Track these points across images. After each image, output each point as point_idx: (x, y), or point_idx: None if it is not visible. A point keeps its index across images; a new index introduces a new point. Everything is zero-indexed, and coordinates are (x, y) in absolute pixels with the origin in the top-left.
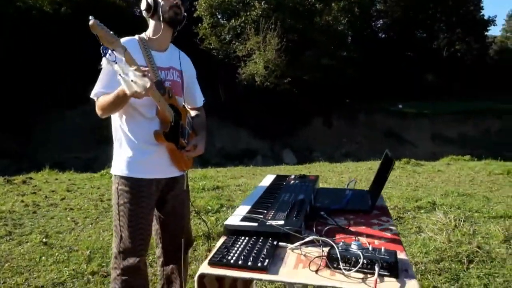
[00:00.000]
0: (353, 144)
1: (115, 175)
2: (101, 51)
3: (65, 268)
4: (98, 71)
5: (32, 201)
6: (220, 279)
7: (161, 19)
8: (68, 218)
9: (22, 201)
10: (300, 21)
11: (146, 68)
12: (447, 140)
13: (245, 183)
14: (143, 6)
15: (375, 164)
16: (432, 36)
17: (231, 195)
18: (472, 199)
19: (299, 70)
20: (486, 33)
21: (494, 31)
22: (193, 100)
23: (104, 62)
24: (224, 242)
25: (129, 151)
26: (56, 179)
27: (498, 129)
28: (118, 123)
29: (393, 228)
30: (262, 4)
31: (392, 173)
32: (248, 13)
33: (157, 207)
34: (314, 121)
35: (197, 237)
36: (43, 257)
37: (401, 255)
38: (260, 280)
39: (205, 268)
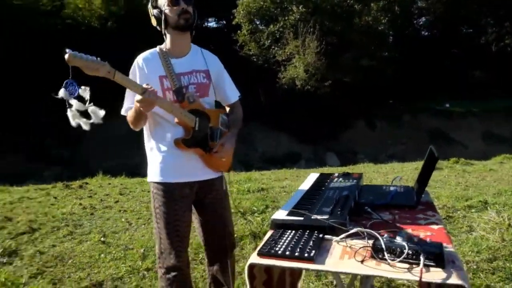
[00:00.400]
0: (398, 145)
1: (149, 181)
2: (63, 84)
3: (122, 265)
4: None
5: (89, 204)
6: (268, 271)
7: (174, 28)
8: (123, 219)
9: (80, 204)
10: (339, 23)
11: (148, 87)
12: (498, 139)
13: (289, 185)
14: (153, 23)
15: (421, 164)
16: (479, 31)
17: (276, 196)
18: None
19: (339, 73)
20: None
21: None
22: (225, 97)
23: (61, 93)
24: (271, 235)
25: (158, 157)
26: (109, 183)
27: None
28: (148, 131)
29: (439, 222)
30: (300, 8)
31: (440, 173)
32: (286, 18)
33: (197, 210)
34: (357, 124)
35: (244, 236)
36: (102, 255)
37: (448, 247)
38: (308, 269)
39: (254, 258)
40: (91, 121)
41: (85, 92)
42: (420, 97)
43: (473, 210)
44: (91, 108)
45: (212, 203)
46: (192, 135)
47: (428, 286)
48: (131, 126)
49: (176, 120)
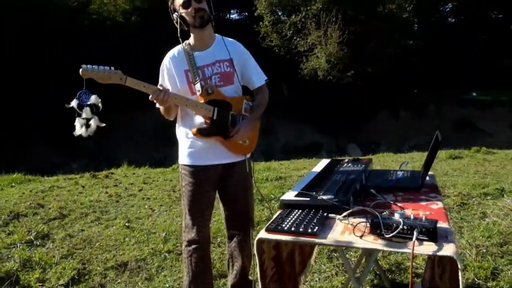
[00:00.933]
0: (422, 136)
1: (179, 163)
2: (77, 95)
3: (145, 247)
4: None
5: (114, 192)
6: (277, 248)
7: (193, 27)
8: (146, 206)
9: (106, 192)
10: (362, 11)
11: (160, 87)
12: None
13: (307, 173)
14: (176, 23)
15: (442, 154)
16: (509, 16)
17: (293, 184)
18: None
19: (362, 62)
20: None
21: None
22: (251, 82)
23: (72, 103)
24: (280, 214)
25: (186, 142)
26: (134, 173)
27: None
28: (178, 118)
29: (439, 202)
30: None
31: (460, 162)
32: (308, 8)
33: (220, 189)
34: (380, 114)
35: (261, 222)
36: (127, 238)
37: (443, 224)
38: (311, 243)
39: (263, 234)
40: (88, 132)
41: (97, 100)
42: (446, 86)
43: (488, 198)
44: (95, 119)
45: (234, 184)
46: (210, 125)
47: (433, 264)
48: (165, 117)
49: (194, 112)
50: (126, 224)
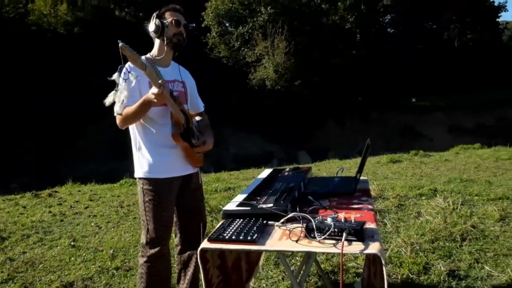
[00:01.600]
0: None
1: (139, 178)
2: (118, 69)
3: (92, 266)
4: (110, 89)
5: (58, 211)
6: (222, 256)
7: (165, 42)
8: (92, 224)
9: (50, 211)
10: (307, 23)
11: (161, 81)
12: (464, 132)
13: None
14: (151, 27)
15: (383, 158)
16: (442, 27)
17: None
18: (474, 184)
19: (309, 72)
20: (497, 19)
21: (507, 16)
22: (196, 106)
23: (115, 76)
24: (222, 224)
25: (148, 155)
26: (79, 190)
27: None
28: (136, 131)
29: (369, 205)
30: (268, 9)
31: (399, 165)
32: (255, 19)
33: (176, 201)
34: (328, 122)
35: (209, 233)
36: (72, 258)
37: (370, 225)
38: (250, 250)
39: (205, 244)
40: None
41: (132, 76)
42: (389, 93)
43: (423, 198)
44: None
45: (190, 195)
46: (184, 131)
47: (369, 262)
48: (122, 124)
49: (172, 116)
50: (72, 243)
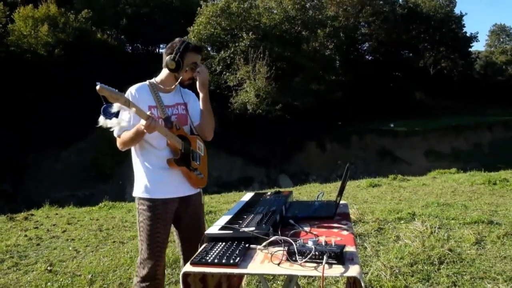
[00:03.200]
0: (348, 165)
1: (137, 197)
2: (101, 111)
3: None
4: (92, 112)
5: (35, 234)
6: (203, 280)
7: (176, 79)
8: (70, 248)
9: (26, 235)
10: (288, 49)
11: (150, 114)
12: (440, 156)
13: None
14: (171, 64)
15: (363, 182)
16: (418, 55)
17: None
18: (451, 208)
19: (289, 97)
20: (469, 49)
21: (478, 46)
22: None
23: (101, 120)
24: (204, 247)
25: (144, 176)
26: (56, 214)
27: (489, 141)
28: (135, 153)
29: (349, 229)
30: (250, 35)
31: (379, 189)
32: (236, 44)
33: (175, 223)
34: (308, 145)
35: None
36: (49, 283)
37: (350, 248)
38: (232, 273)
39: (187, 267)
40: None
41: (119, 107)
42: (367, 118)
43: (402, 222)
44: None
45: (190, 216)
46: (180, 156)
47: (350, 286)
48: (121, 147)
49: (168, 142)
50: (48, 268)
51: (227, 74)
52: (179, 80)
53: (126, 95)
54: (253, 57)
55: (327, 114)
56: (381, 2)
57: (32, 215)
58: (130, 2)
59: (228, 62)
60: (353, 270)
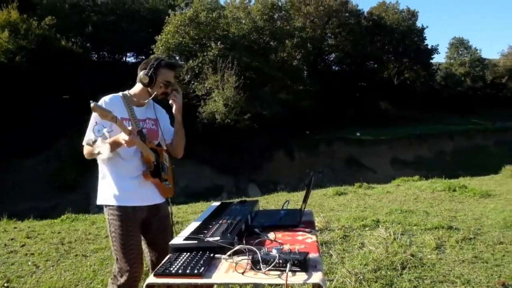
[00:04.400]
0: (315, 173)
1: (105, 206)
2: (93, 128)
3: None
4: (52, 121)
5: None
6: None
7: (150, 94)
8: (29, 263)
9: None
10: (256, 58)
11: (130, 128)
12: (405, 164)
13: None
14: (144, 79)
15: (329, 191)
16: (382, 66)
17: None
18: (413, 215)
19: (258, 106)
20: (431, 61)
21: (439, 58)
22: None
23: (91, 136)
24: (168, 258)
25: (112, 183)
26: (15, 227)
27: (451, 149)
28: (103, 162)
29: (313, 237)
30: (218, 44)
31: (345, 197)
32: (205, 54)
33: (143, 231)
34: (277, 155)
35: None
36: None
37: (314, 256)
38: (196, 284)
39: (151, 279)
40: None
41: (105, 130)
42: (335, 127)
43: (367, 229)
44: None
45: (158, 225)
46: (154, 168)
47: None
48: (89, 156)
49: (142, 156)
50: (5, 284)
51: (196, 83)
52: (152, 95)
53: (100, 102)
54: (221, 66)
55: (296, 123)
56: (346, 14)
57: None
58: (95, 9)
59: (197, 72)
60: (316, 277)
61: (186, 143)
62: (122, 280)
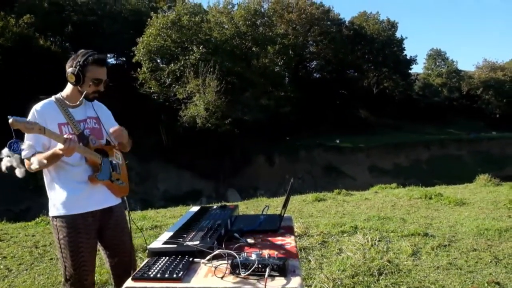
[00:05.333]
0: (295, 179)
1: (52, 216)
2: (7, 145)
3: None
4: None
5: None
6: None
7: (79, 92)
8: (1, 266)
9: None
10: (238, 63)
11: (67, 136)
12: (383, 171)
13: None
14: (71, 78)
15: (309, 197)
16: (362, 74)
17: None
18: (390, 221)
19: (239, 111)
20: (409, 71)
21: (417, 69)
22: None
23: (4, 152)
24: (147, 262)
25: (60, 193)
26: None
27: (427, 158)
28: (47, 171)
29: (292, 242)
30: (200, 48)
31: (324, 204)
32: (187, 57)
33: (100, 236)
34: (257, 160)
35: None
36: None
37: (293, 261)
38: None
39: (129, 283)
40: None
41: (25, 146)
42: (314, 134)
43: (345, 235)
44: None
45: (113, 227)
46: (101, 171)
47: None
48: (35, 168)
49: (87, 160)
50: None
51: (177, 87)
52: (83, 94)
53: (30, 115)
54: (203, 70)
55: (276, 129)
56: (328, 23)
57: None
58: (76, 9)
59: (178, 75)
60: (295, 282)
61: (166, 147)
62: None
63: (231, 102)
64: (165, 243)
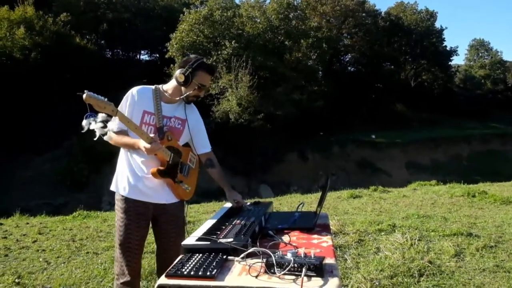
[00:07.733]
0: (330, 176)
1: (115, 191)
2: (84, 117)
3: None
4: (65, 118)
5: (3, 245)
6: None
7: (182, 92)
8: (40, 259)
9: None
10: (271, 58)
11: (153, 137)
12: (420, 168)
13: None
14: (180, 77)
15: (343, 194)
16: (399, 67)
17: None
18: (430, 220)
19: (271, 106)
20: (450, 63)
21: (458, 60)
22: (200, 145)
23: (84, 122)
24: (180, 259)
25: (126, 173)
26: (27, 223)
27: (468, 154)
28: (124, 150)
29: (329, 241)
30: (233, 43)
31: (360, 201)
32: (219, 52)
33: (153, 228)
34: (290, 156)
35: None
36: None
37: (330, 261)
38: (208, 286)
39: (163, 280)
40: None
41: (103, 118)
42: (349, 129)
43: (382, 233)
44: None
45: (165, 225)
46: (166, 167)
47: None
48: (112, 143)
49: (158, 155)
50: (16, 280)
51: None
52: (185, 95)
53: (126, 95)
54: (235, 65)
55: (309, 124)
56: (363, 14)
57: (0, 224)
58: (111, 7)
59: None
60: (333, 283)
61: None
62: (118, 270)
63: (263, 97)
64: (198, 239)
